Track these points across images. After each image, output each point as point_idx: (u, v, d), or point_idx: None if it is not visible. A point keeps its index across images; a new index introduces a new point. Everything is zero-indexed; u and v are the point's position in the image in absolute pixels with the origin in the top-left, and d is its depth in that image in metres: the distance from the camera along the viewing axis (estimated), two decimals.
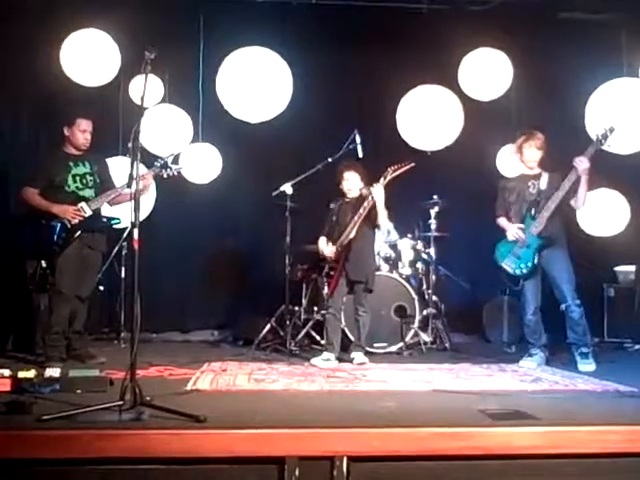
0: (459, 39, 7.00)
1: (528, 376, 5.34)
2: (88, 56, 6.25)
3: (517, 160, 6.17)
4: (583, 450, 3.28)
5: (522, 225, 5.94)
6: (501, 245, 6.06)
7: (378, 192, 5.92)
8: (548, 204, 5.82)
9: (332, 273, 6.12)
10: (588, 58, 7.47)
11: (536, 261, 5.85)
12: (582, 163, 5.67)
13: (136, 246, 3.70)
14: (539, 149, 6.00)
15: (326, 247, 6.23)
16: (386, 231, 6.73)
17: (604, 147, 5.74)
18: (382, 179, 5.94)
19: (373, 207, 5.99)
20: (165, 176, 5.87)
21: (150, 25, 7.12)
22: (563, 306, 5.86)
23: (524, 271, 5.90)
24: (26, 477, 3.08)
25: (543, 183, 5.96)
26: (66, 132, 5.80)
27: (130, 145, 3.79)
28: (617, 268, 8.18)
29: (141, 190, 5.62)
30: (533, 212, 5.88)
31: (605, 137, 5.67)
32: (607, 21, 7.60)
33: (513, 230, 5.97)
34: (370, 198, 5.95)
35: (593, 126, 6.10)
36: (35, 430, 3.18)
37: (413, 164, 5.93)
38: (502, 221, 6.11)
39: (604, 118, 5.99)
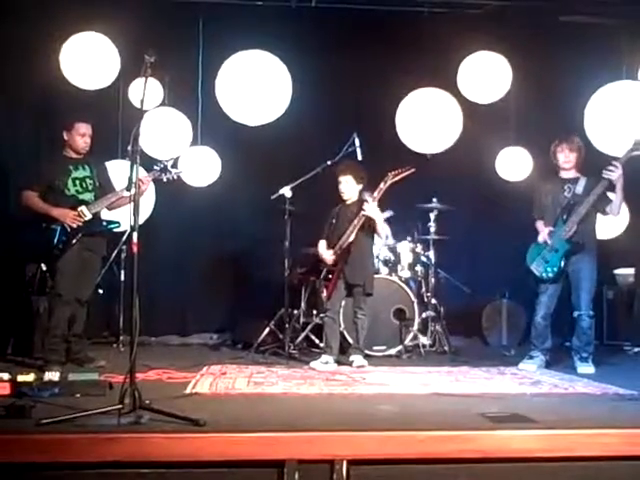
0: (458, 42, 7.01)
1: (527, 379, 5.34)
2: (88, 59, 6.27)
3: (555, 166, 6.13)
4: (582, 453, 3.28)
5: (552, 229, 5.93)
6: (532, 248, 6.05)
7: (371, 210, 5.93)
8: (579, 209, 5.80)
9: (330, 276, 6.12)
10: (587, 61, 7.48)
11: (562, 266, 5.84)
12: (616, 170, 5.65)
13: (135, 249, 3.69)
14: (572, 152, 5.97)
15: (325, 251, 6.23)
16: (384, 236, 6.71)
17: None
18: (382, 184, 5.94)
19: (367, 221, 6.00)
20: (165, 180, 5.88)
21: (150, 28, 7.13)
22: (576, 313, 5.87)
23: (550, 275, 5.89)
24: None
25: (579, 187, 5.92)
26: (65, 136, 5.80)
27: (129, 148, 3.79)
28: (616, 271, 8.17)
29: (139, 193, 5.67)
30: (565, 216, 5.86)
31: (638, 149, 5.63)
32: (606, 24, 7.61)
33: (543, 234, 5.96)
34: (361, 216, 5.96)
35: (593, 129, 6.11)
36: (34, 434, 3.17)
37: (413, 169, 5.93)
38: (538, 224, 6.09)
39: (603, 122, 6.00)
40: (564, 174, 6.07)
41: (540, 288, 5.99)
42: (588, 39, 7.64)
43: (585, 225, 5.87)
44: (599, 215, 5.98)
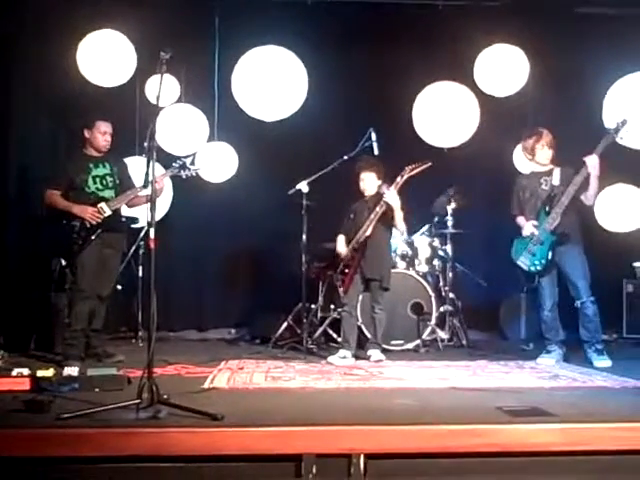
0: (475, 35, 6.98)
1: (546, 373, 5.32)
2: (105, 57, 6.29)
3: (528, 160, 6.13)
4: (601, 447, 3.27)
5: (536, 222, 5.91)
6: (517, 242, 6.04)
7: (391, 197, 5.92)
8: (562, 200, 5.78)
9: (347, 270, 6.12)
10: (604, 53, 7.40)
11: (550, 257, 5.82)
12: (591, 160, 5.65)
13: (152, 245, 3.71)
14: (551, 147, 5.98)
15: (342, 247, 6.23)
16: (403, 227, 6.69)
17: (617, 140, 5.70)
18: (399, 178, 5.93)
19: (387, 210, 5.99)
20: (184, 177, 5.91)
21: (166, 25, 7.14)
22: (578, 303, 5.83)
23: (539, 268, 5.87)
24: (45, 475, 3.11)
25: (555, 179, 5.92)
26: (86, 134, 5.84)
27: (146, 145, 3.81)
28: (636, 264, 8.11)
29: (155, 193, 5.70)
30: (547, 208, 5.85)
31: (617, 130, 5.65)
32: (623, 15, 7.54)
33: (528, 227, 5.95)
34: (382, 203, 5.95)
35: (612, 121, 6.06)
36: (53, 429, 3.21)
37: (430, 163, 5.92)
38: (519, 219, 6.09)
39: (622, 113, 5.95)
40: (538, 168, 6.06)
41: (534, 282, 5.95)
42: (605, 30, 7.57)
43: (568, 215, 5.84)
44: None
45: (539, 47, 7.15)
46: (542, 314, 6.00)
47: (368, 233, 6.05)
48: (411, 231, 7.22)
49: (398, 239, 7.03)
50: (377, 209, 6.00)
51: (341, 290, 6.20)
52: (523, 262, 5.94)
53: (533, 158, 6.04)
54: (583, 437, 3.29)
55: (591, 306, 5.80)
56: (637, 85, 6.07)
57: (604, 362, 5.73)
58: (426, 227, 7.36)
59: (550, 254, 5.81)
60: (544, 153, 5.98)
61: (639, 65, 6.41)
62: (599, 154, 5.66)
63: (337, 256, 6.26)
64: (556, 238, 5.80)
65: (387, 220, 6.09)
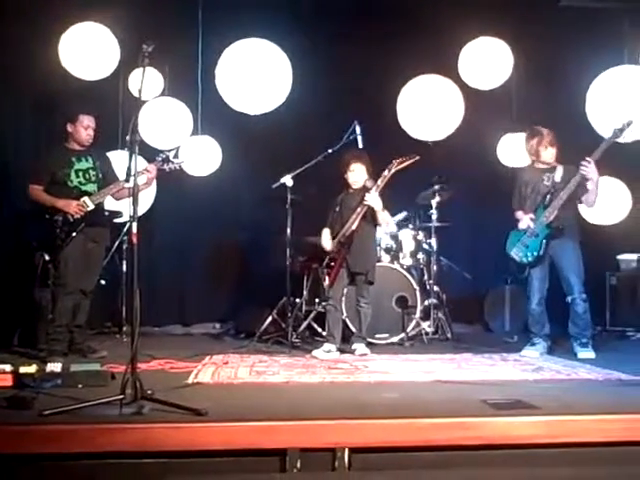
0: (459, 28, 6.96)
1: (530, 365, 5.33)
2: (87, 50, 6.23)
3: (532, 160, 6.13)
4: (585, 439, 3.28)
5: (533, 216, 5.93)
6: (512, 235, 6.07)
7: (373, 200, 5.93)
8: (560, 195, 5.81)
9: (332, 264, 6.11)
10: (588, 46, 7.42)
11: (543, 250, 5.84)
12: (588, 166, 5.67)
13: (135, 240, 3.69)
14: (553, 146, 6.00)
15: (327, 240, 6.22)
16: (385, 225, 6.68)
17: (620, 140, 5.72)
18: (386, 171, 5.92)
19: (370, 211, 5.99)
20: (167, 170, 5.89)
21: (149, 18, 7.10)
22: (569, 298, 5.86)
23: (530, 259, 5.89)
24: (28, 472, 3.08)
25: (558, 176, 5.94)
26: (69, 128, 5.80)
27: (128, 138, 3.78)
28: (619, 256, 8.16)
29: (146, 182, 5.70)
30: (546, 202, 5.87)
31: (622, 131, 5.65)
32: (607, 8, 7.55)
33: (525, 220, 5.96)
34: (363, 205, 5.95)
35: (595, 114, 6.08)
36: (36, 425, 3.18)
37: (418, 157, 5.92)
38: (518, 213, 6.10)
39: (605, 107, 5.98)
40: (541, 165, 6.08)
41: (524, 273, 5.98)
42: (589, 24, 7.58)
43: (566, 210, 5.87)
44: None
45: (523, 40, 7.15)
46: (529, 307, 6.03)
47: (354, 227, 6.04)
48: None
49: (382, 233, 7.03)
50: (358, 209, 6.00)
51: (327, 284, 6.20)
52: (516, 254, 5.97)
53: (538, 159, 6.06)
54: (567, 429, 3.31)
55: (582, 303, 5.83)
56: (620, 79, 6.08)
57: (587, 354, 5.77)
58: (402, 215, 7.31)
59: (543, 246, 5.83)
60: (548, 153, 6.00)
61: (622, 58, 6.43)
62: (596, 159, 5.68)
63: (322, 250, 6.25)
64: (550, 231, 5.82)
65: (371, 216, 6.09)
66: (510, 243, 6.05)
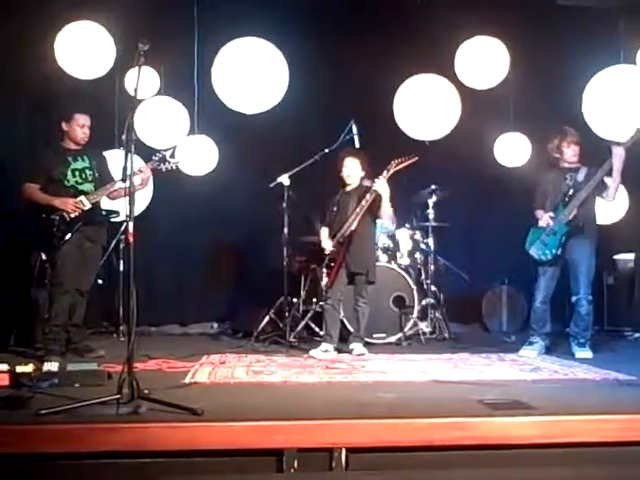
0: (456, 27, 6.96)
1: (527, 365, 5.34)
2: (83, 49, 6.21)
3: (556, 160, 6.14)
4: (582, 439, 3.28)
5: (553, 214, 5.94)
6: (531, 232, 6.09)
7: (381, 186, 5.91)
8: (580, 193, 5.84)
9: (332, 264, 6.10)
10: (585, 45, 7.43)
11: (561, 248, 5.86)
12: (617, 149, 5.70)
13: (131, 239, 3.68)
14: (577, 145, 6.04)
15: (326, 240, 6.21)
16: (387, 218, 6.67)
17: None
18: (385, 172, 5.92)
19: (375, 200, 5.97)
20: (164, 170, 5.87)
21: (145, 17, 7.08)
22: (574, 298, 5.88)
23: (549, 257, 5.91)
24: (24, 472, 3.08)
25: (580, 176, 5.97)
26: (64, 127, 5.79)
27: (124, 137, 3.78)
28: (616, 256, 8.17)
29: (141, 183, 5.70)
30: (566, 201, 5.89)
31: None
32: (604, 8, 7.56)
33: (545, 218, 5.98)
34: (372, 191, 5.93)
35: (591, 114, 6.08)
36: (33, 424, 3.17)
37: (417, 158, 5.91)
38: (538, 212, 6.12)
39: (601, 106, 5.98)
40: (566, 164, 6.08)
41: (539, 271, 6.00)
42: (586, 23, 7.60)
43: (585, 209, 5.89)
44: (598, 200, 6.00)
45: (520, 40, 7.14)
46: (534, 304, 6.05)
47: (353, 227, 6.04)
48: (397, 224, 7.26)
49: (380, 232, 7.02)
50: (363, 202, 5.99)
51: (324, 284, 6.20)
52: (535, 252, 6.00)
53: (562, 157, 6.08)
54: (564, 430, 3.31)
55: (586, 305, 5.85)
56: (616, 78, 6.08)
57: (585, 353, 5.78)
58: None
59: (562, 244, 5.85)
60: (570, 151, 6.03)
61: (618, 58, 6.43)
62: (627, 147, 5.69)
63: (321, 249, 6.23)
64: (569, 229, 5.85)
65: (373, 212, 6.07)
66: (529, 241, 6.07)
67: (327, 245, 6.18)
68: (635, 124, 5.73)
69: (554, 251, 5.88)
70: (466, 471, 3.23)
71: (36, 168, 5.80)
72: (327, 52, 7.85)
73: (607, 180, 5.85)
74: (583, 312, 5.85)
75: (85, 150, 5.87)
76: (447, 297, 7.48)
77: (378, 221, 6.43)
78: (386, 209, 6.08)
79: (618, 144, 5.69)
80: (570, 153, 6.04)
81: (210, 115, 7.17)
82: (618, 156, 5.70)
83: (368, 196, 5.97)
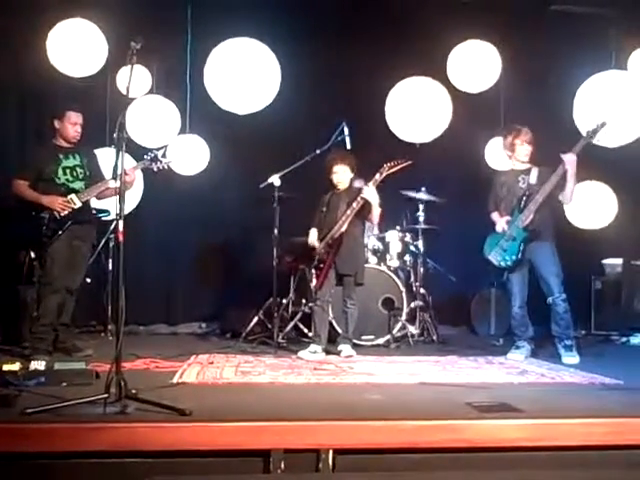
0: (448, 31, 6.98)
1: (515, 369, 5.34)
2: (75, 46, 6.20)
3: (508, 157, 6.15)
4: (569, 443, 3.29)
5: (509, 218, 5.95)
6: (490, 238, 6.09)
7: (370, 194, 5.91)
8: (536, 197, 5.84)
9: (321, 265, 6.09)
10: (577, 50, 7.48)
11: (521, 254, 5.86)
12: (568, 157, 5.71)
13: (121, 238, 3.67)
14: (530, 144, 6.03)
15: (316, 241, 6.20)
16: (377, 223, 6.68)
17: (594, 141, 5.76)
18: (378, 175, 5.90)
19: (365, 205, 5.98)
20: (155, 169, 5.86)
21: (138, 15, 7.07)
22: (550, 299, 5.89)
23: (509, 263, 5.92)
24: (10, 471, 3.06)
25: (533, 177, 5.98)
26: (56, 125, 5.77)
27: (115, 136, 3.77)
28: (604, 261, 8.20)
29: (126, 185, 5.67)
30: (522, 205, 5.90)
31: (595, 132, 5.70)
32: (596, 14, 7.60)
33: (500, 223, 5.99)
34: (360, 199, 5.93)
35: (582, 119, 6.11)
36: (19, 423, 3.16)
37: (410, 161, 5.91)
38: (494, 215, 6.13)
39: (592, 111, 6.00)
40: (518, 165, 6.11)
41: (503, 277, 6.01)
42: (578, 28, 7.63)
43: (542, 213, 5.89)
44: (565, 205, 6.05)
45: (512, 44, 7.18)
46: (512, 311, 6.06)
47: (343, 229, 6.04)
48: (383, 229, 7.26)
49: (369, 234, 7.03)
50: (354, 205, 5.99)
51: (314, 285, 6.19)
52: (494, 257, 5.99)
53: (513, 154, 6.08)
54: (551, 433, 3.32)
55: (562, 303, 5.85)
56: (607, 84, 6.11)
57: (572, 358, 5.79)
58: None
59: (521, 250, 5.85)
60: (523, 149, 6.02)
61: (609, 63, 6.47)
62: (576, 152, 5.71)
63: (312, 250, 6.23)
64: (527, 234, 5.85)
65: (363, 215, 6.08)
66: (488, 246, 6.07)
67: (316, 245, 6.17)
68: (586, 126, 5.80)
69: (514, 257, 5.89)
70: (453, 473, 3.24)
71: (27, 165, 5.79)
72: (319, 53, 7.85)
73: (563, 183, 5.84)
74: (561, 310, 5.85)
75: (76, 148, 5.85)
76: (436, 300, 7.49)
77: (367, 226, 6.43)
78: (376, 215, 6.09)
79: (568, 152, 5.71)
80: (522, 152, 6.02)
81: (201, 115, 7.18)
82: (570, 162, 5.71)
83: (355, 204, 5.97)
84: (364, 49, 7.84)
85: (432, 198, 7.37)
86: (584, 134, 5.78)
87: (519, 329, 6.05)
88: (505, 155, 6.21)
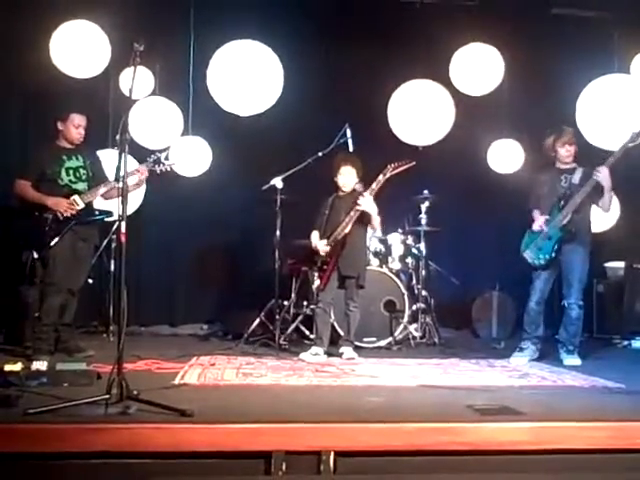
0: (451, 34, 6.99)
1: (516, 372, 5.35)
2: (78, 47, 6.20)
3: (552, 158, 6.13)
4: (570, 446, 3.29)
5: (548, 217, 5.94)
6: (527, 235, 6.06)
7: (367, 204, 5.92)
8: (575, 198, 5.82)
9: (325, 267, 6.09)
10: (580, 54, 7.48)
11: (554, 253, 5.85)
12: (600, 173, 5.68)
13: (123, 239, 3.68)
14: (572, 145, 5.99)
15: (319, 242, 6.20)
16: (379, 229, 6.71)
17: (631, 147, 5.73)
18: (381, 176, 5.90)
19: (364, 213, 5.99)
20: (158, 172, 5.88)
21: (141, 17, 7.10)
22: (565, 302, 5.88)
23: (542, 262, 5.90)
24: (12, 471, 3.06)
25: (576, 177, 5.93)
26: (60, 126, 5.78)
27: (118, 137, 3.78)
28: (606, 264, 8.19)
29: (137, 184, 5.71)
30: (562, 204, 5.88)
31: (633, 140, 5.64)
32: (599, 17, 7.60)
33: (538, 221, 5.97)
34: (357, 209, 5.94)
35: (585, 122, 6.11)
36: (21, 424, 3.16)
37: (413, 163, 5.91)
38: (534, 213, 6.09)
39: (595, 115, 6.00)
40: (562, 165, 6.07)
41: (533, 274, 6.00)
42: (580, 32, 7.64)
43: (580, 215, 5.88)
44: (594, 207, 6.01)
45: (515, 47, 7.19)
46: (528, 305, 6.03)
47: (346, 231, 6.03)
48: (385, 231, 7.26)
49: (371, 236, 7.03)
50: (352, 214, 5.99)
51: (316, 287, 6.19)
52: (528, 255, 5.97)
53: (556, 156, 6.04)
54: (552, 436, 3.32)
55: (577, 309, 5.85)
56: (610, 87, 6.11)
57: (573, 361, 5.78)
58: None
59: (555, 250, 5.84)
60: (564, 151, 5.99)
61: (612, 67, 6.47)
62: (609, 166, 5.68)
63: (315, 252, 6.22)
64: (564, 234, 5.83)
65: (364, 221, 6.09)
66: (524, 244, 6.05)
67: (321, 246, 6.15)
68: (620, 140, 5.75)
69: (547, 256, 5.88)
70: (454, 476, 3.24)
71: (30, 166, 5.79)
72: (322, 56, 7.87)
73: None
74: (574, 316, 5.84)
75: (79, 149, 5.86)
76: (438, 302, 7.48)
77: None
78: (375, 223, 6.14)
79: (599, 171, 5.68)
80: (564, 153, 5.99)
81: (204, 116, 7.18)
82: (604, 178, 5.69)
83: (352, 213, 5.97)
84: (367, 51, 7.85)
85: (434, 199, 7.36)
86: (627, 137, 5.67)
87: (530, 326, 6.00)
88: (548, 156, 6.16)
